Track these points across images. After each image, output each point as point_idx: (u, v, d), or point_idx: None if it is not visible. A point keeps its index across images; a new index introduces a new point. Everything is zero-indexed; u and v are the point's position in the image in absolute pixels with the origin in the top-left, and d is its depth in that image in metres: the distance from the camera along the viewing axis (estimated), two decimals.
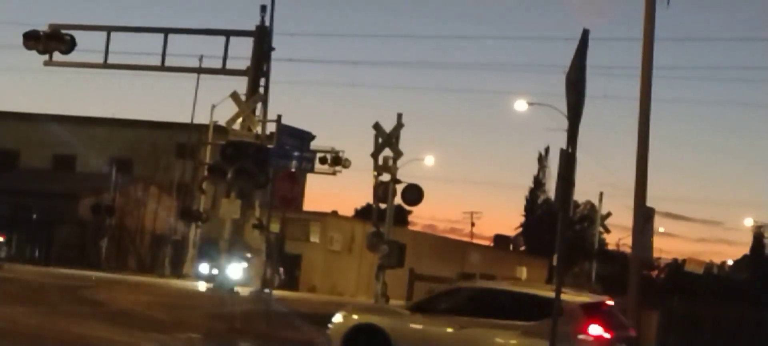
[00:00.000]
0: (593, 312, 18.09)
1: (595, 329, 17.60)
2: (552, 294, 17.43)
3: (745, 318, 31.94)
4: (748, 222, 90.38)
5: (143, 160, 65.14)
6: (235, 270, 41.68)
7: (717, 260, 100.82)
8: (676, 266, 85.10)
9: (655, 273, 77.18)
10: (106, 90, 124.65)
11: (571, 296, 18.64)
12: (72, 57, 43.93)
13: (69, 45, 41.89)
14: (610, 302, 19.50)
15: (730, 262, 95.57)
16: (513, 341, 18.06)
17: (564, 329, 16.98)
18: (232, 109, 43.34)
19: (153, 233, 60.82)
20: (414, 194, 45.77)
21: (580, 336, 17.49)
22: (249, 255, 42.60)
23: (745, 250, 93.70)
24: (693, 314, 31.90)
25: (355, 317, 20.13)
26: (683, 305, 31.59)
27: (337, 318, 20.19)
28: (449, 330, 18.59)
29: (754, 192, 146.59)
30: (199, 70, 47.93)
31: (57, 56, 42.72)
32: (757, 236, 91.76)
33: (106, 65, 47.33)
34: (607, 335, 17.67)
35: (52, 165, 70.46)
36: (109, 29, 47.31)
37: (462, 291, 20.84)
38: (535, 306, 18.16)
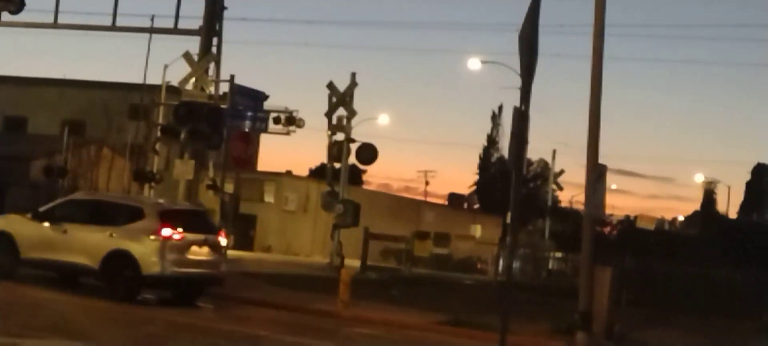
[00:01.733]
0: (169, 217, 22.36)
1: (167, 231, 21.78)
2: (137, 203, 23.71)
3: (696, 273, 32.39)
4: (699, 178, 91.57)
5: (95, 122, 64.53)
6: None
7: (668, 217, 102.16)
8: (628, 223, 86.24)
9: (607, 230, 78.04)
10: (57, 51, 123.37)
11: (154, 202, 24.51)
12: (21, 17, 43.38)
13: (18, 5, 41.31)
14: (197, 210, 24.68)
15: (681, 218, 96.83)
16: (105, 242, 21.96)
17: (144, 230, 21.85)
18: (184, 69, 43.02)
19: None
20: (368, 153, 45.83)
21: (153, 236, 21.74)
22: None
23: (696, 206, 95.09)
24: (645, 269, 32.32)
25: None
26: (636, 261, 31.98)
27: None
28: (58, 233, 22.64)
29: (705, 149, 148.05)
30: (151, 30, 47.37)
31: (5, 16, 42.16)
32: (708, 192, 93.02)
33: (56, 25, 46.78)
34: (177, 236, 21.91)
35: (3, 127, 69.76)
36: None
37: (72, 202, 24.65)
38: (124, 212, 22.77)
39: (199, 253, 22.51)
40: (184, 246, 22.13)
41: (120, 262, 21.72)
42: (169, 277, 22.07)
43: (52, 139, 59.88)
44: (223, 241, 23.82)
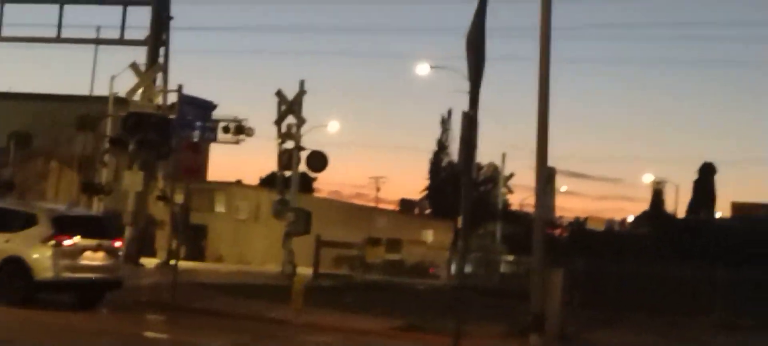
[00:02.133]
0: (62, 223, 22.80)
1: (60, 237, 22.20)
2: (31, 209, 23.68)
3: (647, 272, 32.63)
4: (648, 178, 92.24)
5: (43, 134, 63.94)
6: None
7: (618, 217, 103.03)
8: (579, 225, 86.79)
9: (558, 232, 78.41)
10: (2, 63, 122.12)
11: (48, 209, 24.48)
12: None
13: None
14: (93, 216, 26.04)
15: (630, 218, 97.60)
16: (1, 248, 22.23)
17: (37, 236, 22.23)
18: (131, 80, 42.80)
19: None
20: (318, 160, 45.76)
21: (45, 242, 22.11)
22: None
23: (645, 206, 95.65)
24: (596, 270, 32.49)
25: None
26: (587, 263, 32.14)
27: None
28: None
29: (653, 148, 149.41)
30: (97, 42, 47.20)
31: None
32: (656, 192, 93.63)
33: (0, 38, 46.47)
34: (69, 242, 22.31)
35: None
36: (3, 1, 46.46)
37: None
38: (19, 218, 22.99)
39: (94, 258, 22.93)
40: (76, 251, 22.58)
41: (13, 267, 22.10)
42: (62, 281, 22.44)
43: None
44: (119, 246, 24.36)
